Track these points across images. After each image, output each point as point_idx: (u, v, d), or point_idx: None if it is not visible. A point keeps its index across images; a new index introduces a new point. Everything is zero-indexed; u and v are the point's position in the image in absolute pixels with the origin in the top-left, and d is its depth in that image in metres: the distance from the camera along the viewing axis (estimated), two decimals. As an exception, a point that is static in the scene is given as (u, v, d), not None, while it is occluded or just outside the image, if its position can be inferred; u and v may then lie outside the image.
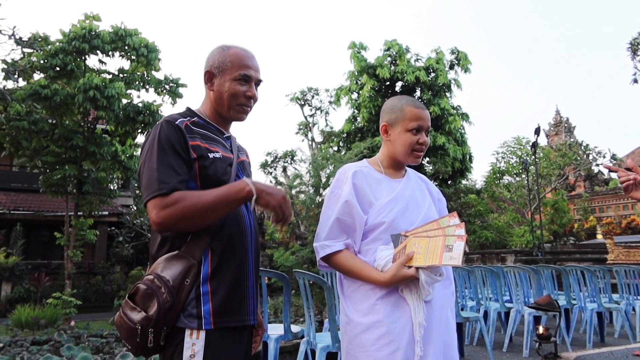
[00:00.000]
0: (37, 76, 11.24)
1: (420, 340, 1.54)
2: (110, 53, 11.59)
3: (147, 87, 12.26)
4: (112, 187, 14.76)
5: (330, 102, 21.72)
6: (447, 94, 18.56)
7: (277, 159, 18.24)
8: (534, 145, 17.28)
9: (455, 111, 18.42)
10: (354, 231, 1.69)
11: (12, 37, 9.58)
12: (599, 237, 22.15)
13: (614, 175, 27.20)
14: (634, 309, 5.89)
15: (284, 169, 18.42)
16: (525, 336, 5.06)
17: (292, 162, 17.93)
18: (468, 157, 18.45)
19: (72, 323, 7.72)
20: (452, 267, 1.68)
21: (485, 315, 5.55)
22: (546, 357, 4.02)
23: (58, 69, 10.93)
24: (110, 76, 11.86)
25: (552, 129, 31.92)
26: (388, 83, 18.63)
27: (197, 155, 1.42)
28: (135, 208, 17.36)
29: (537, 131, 17.12)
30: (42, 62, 10.92)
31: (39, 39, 10.65)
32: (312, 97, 22.13)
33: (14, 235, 16.57)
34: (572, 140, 28.93)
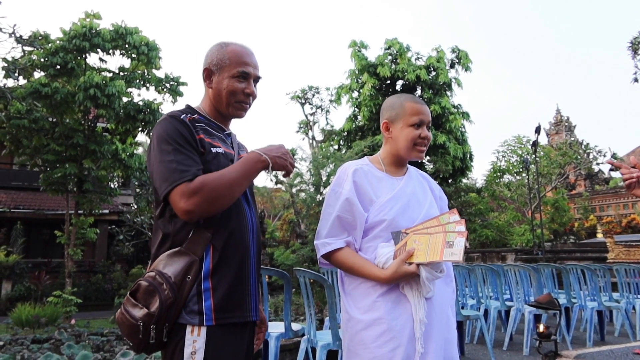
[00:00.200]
0: (38, 74, 11.23)
1: (421, 337, 1.54)
2: (110, 51, 11.57)
3: (148, 85, 12.25)
4: (112, 186, 14.77)
5: (330, 101, 21.73)
6: (448, 93, 18.55)
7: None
8: (535, 144, 17.28)
9: (455, 110, 18.41)
10: (354, 229, 1.69)
11: (13, 35, 9.58)
12: (599, 235, 22.18)
13: (615, 173, 27.21)
14: (634, 308, 5.89)
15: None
16: (526, 334, 5.06)
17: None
18: (468, 156, 18.45)
19: (73, 321, 7.73)
20: (453, 263, 1.68)
21: (486, 313, 5.55)
22: (546, 356, 4.02)
23: (58, 67, 10.93)
24: (111, 74, 11.85)
25: (552, 127, 31.91)
26: (389, 82, 18.63)
27: (202, 149, 1.43)
28: (135, 206, 17.34)
29: (538, 130, 17.12)
30: (42, 60, 10.91)
31: (40, 37, 10.64)
32: (313, 95, 22.14)
33: (15, 233, 16.59)
34: (572, 139, 28.92)
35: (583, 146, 25.90)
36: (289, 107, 69.99)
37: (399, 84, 18.62)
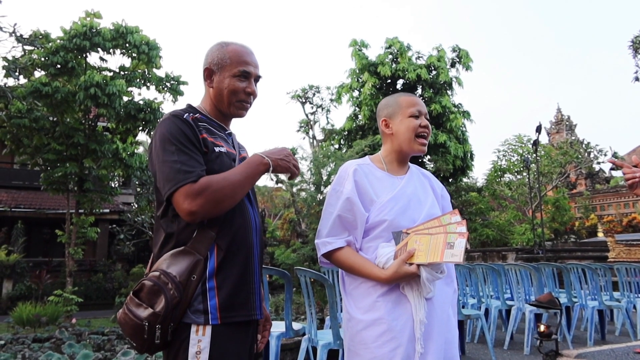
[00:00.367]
0: (38, 74, 11.21)
1: (421, 338, 1.54)
2: (111, 50, 11.55)
3: (148, 84, 12.23)
4: (113, 185, 14.76)
5: (331, 100, 21.70)
6: (449, 92, 18.52)
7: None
8: (535, 143, 17.28)
9: (456, 109, 18.38)
10: (355, 228, 1.69)
11: (13, 34, 9.57)
12: (600, 235, 22.17)
13: (616, 172, 27.20)
14: (634, 307, 5.88)
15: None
16: (527, 334, 5.06)
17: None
18: (469, 155, 18.42)
19: (74, 320, 7.74)
20: (453, 264, 1.68)
21: (487, 312, 5.55)
22: (547, 355, 4.02)
23: (59, 66, 10.92)
24: (111, 74, 11.84)
25: (553, 127, 31.88)
26: (389, 81, 18.60)
27: (205, 148, 1.43)
28: (136, 206, 17.34)
29: (539, 129, 17.12)
30: (43, 59, 10.90)
31: (40, 37, 10.62)
32: (313, 94, 22.11)
33: (15, 232, 16.62)
34: (573, 138, 28.91)
35: (584, 145, 25.90)
36: (289, 106, 70.04)
37: (400, 83, 18.60)
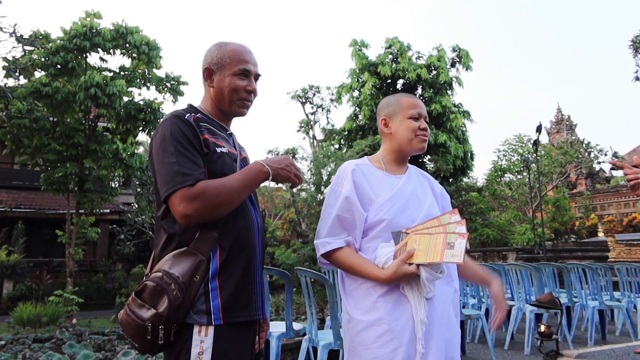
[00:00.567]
0: (38, 74, 11.22)
1: (422, 338, 1.54)
2: (111, 51, 11.56)
3: (148, 84, 12.24)
4: (113, 185, 14.77)
5: (331, 100, 21.68)
6: (449, 92, 18.50)
7: (278, 157, 18.20)
8: (536, 143, 17.28)
9: (456, 109, 18.37)
10: (354, 228, 1.69)
11: (13, 34, 9.57)
12: (601, 235, 22.15)
13: (616, 172, 27.17)
14: (635, 307, 5.88)
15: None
16: (527, 334, 5.06)
17: (293, 160, 17.92)
18: (469, 155, 18.41)
19: (74, 321, 7.74)
20: (453, 264, 1.68)
21: (487, 313, 5.55)
22: (548, 355, 4.02)
23: (59, 66, 10.92)
24: (112, 74, 11.84)
25: (553, 126, 31.85)
26: (389, 81, 18.59)
27: (207, 149, 1.43)
28: (136, 206, 17.35)
29: (539, 129, 17.12)
30: (43, 59, 10.91)
31: (40, 37, 10.63)
32: (314, 94, 22.09)
33: (16, 233, 16.62)
34: (573, 138, 28.87)
35: (584, 145, 25.85)
36: (289, 106, 70.04)
37: (400, 83, 18.59)
